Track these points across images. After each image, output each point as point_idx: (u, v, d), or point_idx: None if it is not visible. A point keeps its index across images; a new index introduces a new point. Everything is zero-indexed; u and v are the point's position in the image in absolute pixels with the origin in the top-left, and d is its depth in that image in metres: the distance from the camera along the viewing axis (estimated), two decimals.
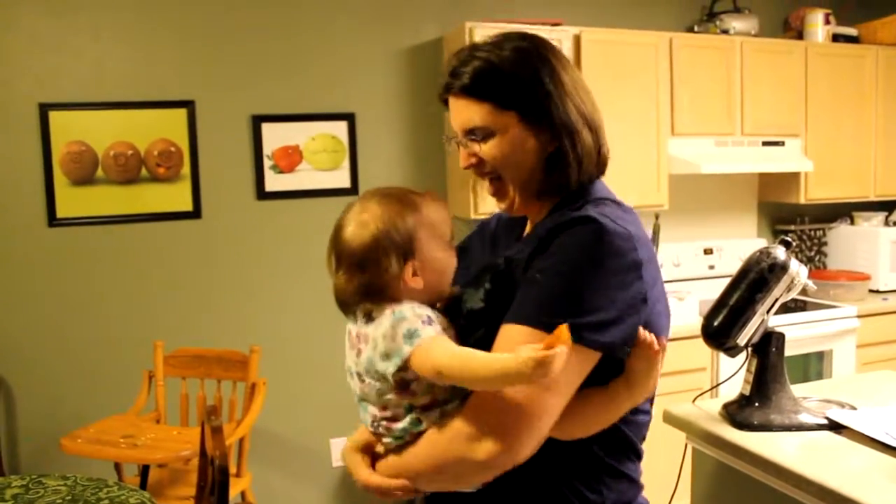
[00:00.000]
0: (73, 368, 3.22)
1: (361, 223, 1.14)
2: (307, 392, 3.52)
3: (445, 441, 1.08)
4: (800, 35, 4.13)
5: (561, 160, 1.17)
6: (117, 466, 2.89)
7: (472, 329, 1.14)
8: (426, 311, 1.11)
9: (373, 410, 1.15)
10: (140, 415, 3.02)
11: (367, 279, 1.12)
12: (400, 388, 1.09)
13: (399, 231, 1.12)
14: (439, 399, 1.10)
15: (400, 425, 1.12)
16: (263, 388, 2.99)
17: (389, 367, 1.07)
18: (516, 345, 1.00)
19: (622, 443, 1.19)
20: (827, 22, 4.08)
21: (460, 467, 1.08)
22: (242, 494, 2.97)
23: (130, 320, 3.28)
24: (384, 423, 1.14)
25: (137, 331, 3.27)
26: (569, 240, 1.08)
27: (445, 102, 1.25)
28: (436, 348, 1.05)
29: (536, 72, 1.16)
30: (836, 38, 4.13)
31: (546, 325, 1.02)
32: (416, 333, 1.06)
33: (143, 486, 2.72)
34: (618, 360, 1.11)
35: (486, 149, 1.18)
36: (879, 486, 1.48)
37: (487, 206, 3.33)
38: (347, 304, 1.17)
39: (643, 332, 1.11)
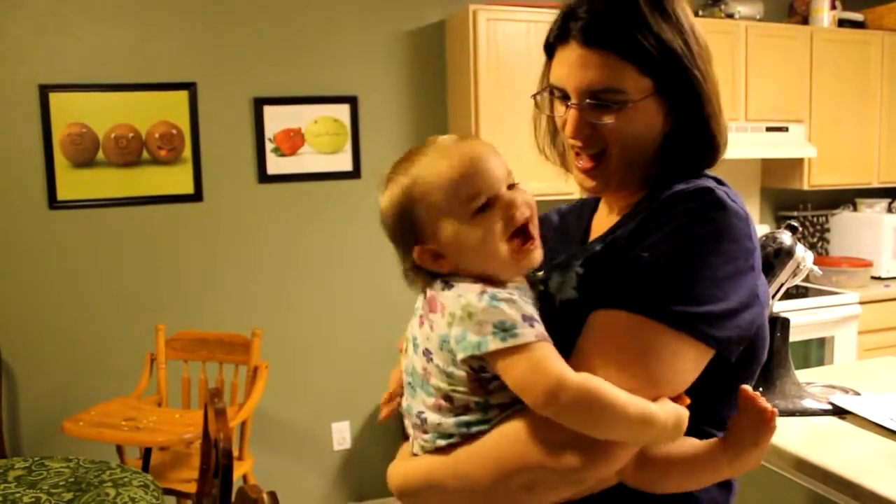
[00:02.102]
0: (75, 351, 3.22)
1: (380, 209, 1.00)
2: (309, 376, 3.52)
3: (519, 444, 0.88)
4: (805, 20, 4.10)
5: (686, 135, 1.01)
6: (119, 449, 2.90)
7: (562, 324, 0.92)
8: (529, 307, 0.89)
9: (423, 397, 0.95)
10: (142, 398, 3.02)
11: (406, 264, 0.98)
12: (473, 381, 0.90)
13: (396, 213, 0.96)
14: (517, 399, 0.89)
15: (455, 419, 0.92)
16: (265, 372, 2.99)
17: (459, 352, 0.88)
18: (616, 336, 0.87)
19: None
20: (833, 7, 4.06)
21: (534, 476, 0.88)
22: (245, 478, 2.98)
23: (132, 303, 3.28)
24: (434, 415, 0.94)
25: (139, 314, 3.27)
26: (682, 213, 0.92)
27: (551, 49, 1.05)
28: (546, 361, 0.85)
29: (685, 36, 0.99)
30: (841, 23, 4.10)
31: (654, 311, 0.87)
32: (513, 331, 0.85)
33: (146, 468, 2.72)
34: (723, 366, 0.94)
35: (614, 120, 0.98)
36: (883, 471, 1.48)
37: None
38: (411, 282, 1.00)
39: (755, 396, 0.93)
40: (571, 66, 0.99)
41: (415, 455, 1.00)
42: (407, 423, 1.02)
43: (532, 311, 0.89)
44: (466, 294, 0.89)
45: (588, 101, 0.99)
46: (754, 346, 0.99)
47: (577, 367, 0.86)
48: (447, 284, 0.93)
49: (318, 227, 3.50)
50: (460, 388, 0.91)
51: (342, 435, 3.59)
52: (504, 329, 0.85)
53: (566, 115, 1.02)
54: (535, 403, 0.85)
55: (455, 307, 0.89)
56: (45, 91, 3.11)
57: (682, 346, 0.88)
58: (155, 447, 2.83)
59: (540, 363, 0.84)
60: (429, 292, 0.96)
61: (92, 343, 3.24)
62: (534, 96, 1.10)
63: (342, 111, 3.50)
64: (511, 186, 0.95)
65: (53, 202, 3.16)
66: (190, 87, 3.29)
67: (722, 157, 1.06)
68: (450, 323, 0.89)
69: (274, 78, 3.40)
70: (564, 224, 1.23)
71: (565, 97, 1.02)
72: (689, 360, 0.90)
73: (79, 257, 3.21)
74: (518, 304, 0.88)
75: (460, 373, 0.90)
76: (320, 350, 3.53)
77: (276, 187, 3.43)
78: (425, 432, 0.96)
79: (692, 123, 1.01)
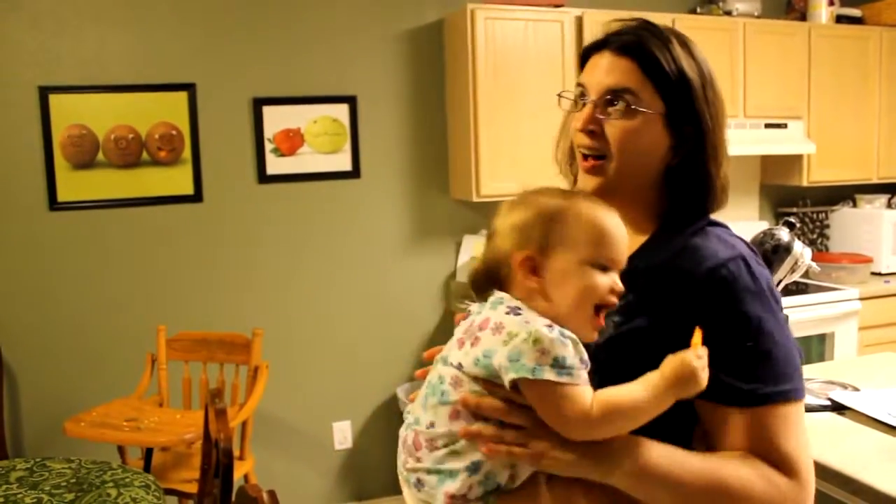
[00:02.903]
0: (76, 352, 3.22)
1: (506, 205, 1.03)
2: (309, 375, 3.53)
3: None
4: (803, 16, 4.10)
5: (688, 177, 1.08)
6: (121, 450, 2.90)
7: (606, 364, 0.98)
8: (585, 354, 0.93)
9: (440, 407, 0.96)
10: (143, 398, 3.02)
11: (484, 256, 1.01)
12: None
13: (529, 218, 0.98)
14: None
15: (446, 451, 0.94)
16: (266, 372, 3.00)
17: (509, 371, 0.90)
18: (793, 421, 1.00)
19: None
20: (831, 3, 4.06)
21: None
22: (245, 477, 2.98)
23: (132, 304, 3.29)
24: (437, 440, 0.95)
25: (140, 314, 3.27)
26: (738, 289, 1.01)
27: (585, 59, 1.13)
28: (584, 399, 0.91)
29: (705, 81, 1.07)
30: (839, 18, 4.11)
31: (777, 397, 0.99)
32: (570, 370, 0.90)
33: (147, 468, 2.73)
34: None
35: (620, 123, 1.05)
36: (882, 467, 1.49)
37: (489, 188, 3.32)
38: (476, 289, 1.03)
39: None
40: (599, 68, 1.08)
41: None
42: (405, 436, 1.01)
43: (587, 358, 0.93)
44: (535, 322, 0.92)
45: (605, 97, 1.06)
46: None
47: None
48: (514, 311, 0.95)
49: (317, 226, 3.51)
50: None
51: (343, 434, 3.60)
52: (562, 366, 0.89)
53: (581, 113, 1.09)
54: (569, 433, 0.92)
55: (519, 329, 0.91)
56: (45, 93, 3.12)
57: (798, 411, 1.01)
58: (156, 447, 2.84)
59: (578, 401, 0.90)
60: (483, 314, 0.97)
61: (93, 344, 3.24)
62: (560, 94, 1.15)
63: (341, 111, 3.51)
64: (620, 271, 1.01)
65: (54, 203, 3.17)
66: (189, 87, 3.29)
67: (722, 207, 1.12)
68: (506, 342, 0.91)
69: (273, 78, 3.40)
70: None
71: (584, 98, 1.10)
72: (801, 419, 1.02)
73: (79, 258, 3.22)
74: (580, 347, 0.92)
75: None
76: (321, 350, 3.53)
77: (276, 187, 3.43)
78: (429, 447, 0.96)
79: (694, 165, 1.07)
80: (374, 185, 3.57)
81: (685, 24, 3.62)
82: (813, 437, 1.64)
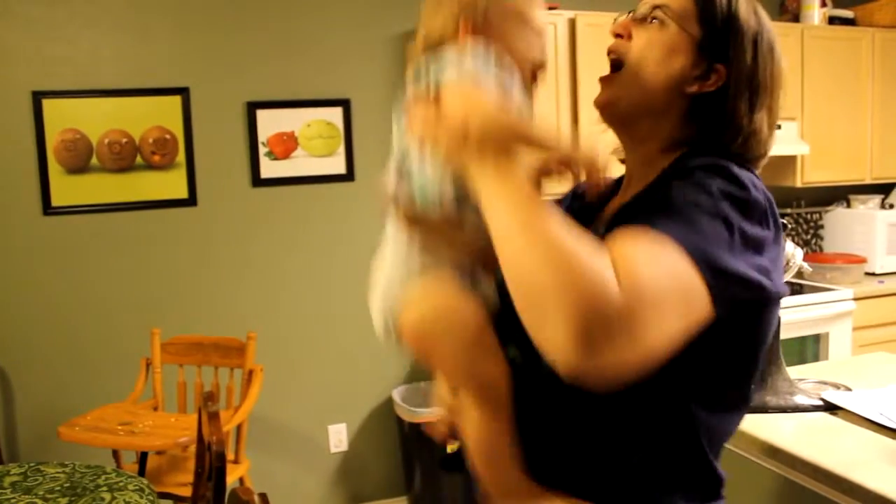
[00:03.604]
0: (71, 357, 3.22)
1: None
2: (305, 378, 3.53)
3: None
4: (796, 17, 4.12)
5: (720, 110, 1.02)
6: (116, 454, 2.90)
7: None
8: (498, 68, 0.95)
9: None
10: (138, 402, 3.02)
11: (427, 27, 1.05)
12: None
13: None
14: None
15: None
16: (260, 375, 3.00)
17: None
18: (659, 251, 0.84)
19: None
20: (823, 4, 4.07)
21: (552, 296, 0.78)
22: (241, 480, 2.98)
23: (127, 308, 3.28)
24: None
25: (134, 319, 3.27)
26: (703, 179, 0.92)
27: None
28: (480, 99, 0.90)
29: (760, 34, 1.04)
30: (832, 20, 4.12)
31: (691, 247, 0.85)
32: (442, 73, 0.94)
33: (142, 472, 2.72)
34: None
35: (647, 33, 1.05)
36: (874, 467, 1.49)
37: None
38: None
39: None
40: None
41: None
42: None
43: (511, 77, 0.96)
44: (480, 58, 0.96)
45: (651, 10, 1.05)
46: (753, 331, 0.99)
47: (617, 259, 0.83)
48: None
49: (312, 229, 3.51)
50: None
51: (339, 437, 3.60)
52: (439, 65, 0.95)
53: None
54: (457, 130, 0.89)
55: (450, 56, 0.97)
56: (38, 98, 3.11)
57: (689, 273, 0.84)
58: (151, 451, 2.84)
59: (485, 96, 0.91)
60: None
61: (87, 348, 3.24)
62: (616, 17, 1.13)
63: (335, 114, 3.51)
64: None
65: (48, 208, 3.16)
66: (183, 92, 3.29)
67: (752, 154, 1.06)
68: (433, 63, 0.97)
69: (267, 82, 3.40)
70: (575, 210, 1.17)
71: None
72: (679, 280, 0.84)
73: (73, 263, 3.22)
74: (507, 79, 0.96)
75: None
76: (316, 352, 3.53)
77: (270, 191, 3.43)
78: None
79: (720, 101, 1.02)
80: (368, 188, 3.57)
81: None
82: (805, 437, 1.66)
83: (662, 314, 0.81)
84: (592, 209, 1.12)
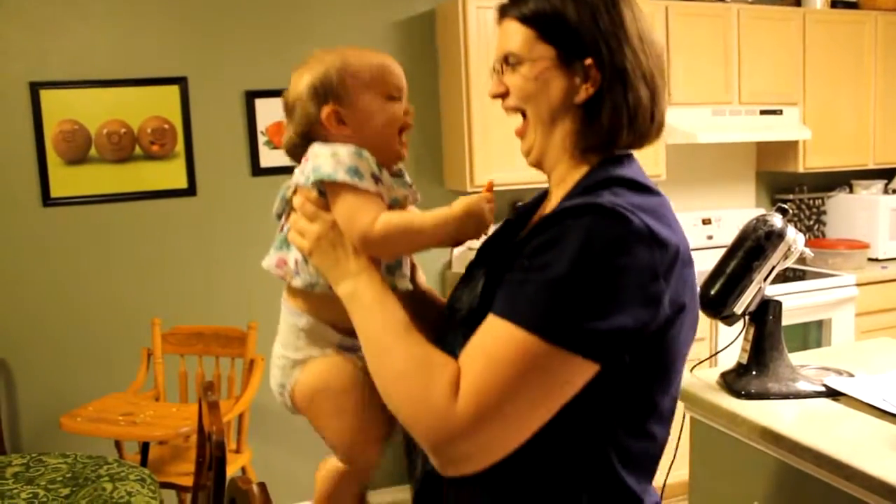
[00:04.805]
0: (72, 348, 3.22)
1: (295, 76, 1.13)
2: None
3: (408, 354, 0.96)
4: (797, 1, 4.09)
5: (602, 108, 1.03)
6: (118, 444, 2.91)
7: (465, 335, 0.96)
8: (358, 161, 1.03)
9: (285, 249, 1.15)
10: (139, 393, 3.02)
11: (294, 127, 1.11)
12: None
13: (321, 77, 1.08)
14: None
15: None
16: (262, 364, 3.00)
17: (311, 176, 1.04)
18: (501, 342, 0.90)
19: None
20: None
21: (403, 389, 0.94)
22: (243, 470, 2.99)
23: (127, 299, 3.28)
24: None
25: (135, 309, 3.26)
26: (572, 227, 0.92)
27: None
28: (370, 211, 1.01)
29: (594, 10, 1.03)
30: (834, 3, 4.09)
31: (539, 326, 0.88)
32: (361, 175, 1.02)
33: (144, 463, 2.73)
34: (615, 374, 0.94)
35: (512, 78, 1.07)
36: (876, 453, 1.48)
37: (484, 179, 3.31)
38: (293, 157, 1.14)
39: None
40: (498, 37, 1.11)
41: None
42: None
43: (379, 174, 1.05)
44: (339, 147, 1.05)
45: (500, 63, 1.09)
46: (656, 355, 0.97)
47: (462, 367, 0.92)
48: (326, 143, 1.07)
49: None
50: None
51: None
52: (356, 173, 1.02)
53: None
54: (354, 238, 1.03)
55: (323, 150, 1.05)
56: (35, 88, 3.10)
57: (541, 350, 0.88)
58: (153, 441, 2.84)
59: (365, 208, 1.01)
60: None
61: (88, 339, 3.24)
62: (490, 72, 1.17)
63: None
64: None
65: (47, 199, 3.16)
66: (181, 81, 3.28)
67: (650, 140, 1.08)
68: (314, 157, 1.05)
69: (265, 70, 3.39)
70: (516, 221, 1.22)
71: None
72: (556, 369, 0.89)
73: (73, 254, 3.21)
74: (374, 167, 1.05)
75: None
76: None
77: (270, 180, 3.42)
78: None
79: (610, 91, 1.03)
80: None
81: (679, 10, 3.60)
82: (807, 423, 1.65)
83: (516, 410, 0.89)
84: (532, 213, 1.19)
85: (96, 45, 3.18)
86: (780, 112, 3.89)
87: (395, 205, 1.09)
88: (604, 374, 0.92)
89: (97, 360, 3.24)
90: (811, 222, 4.42)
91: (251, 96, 3.37)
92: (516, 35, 1.06)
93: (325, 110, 1.06)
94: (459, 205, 1.03)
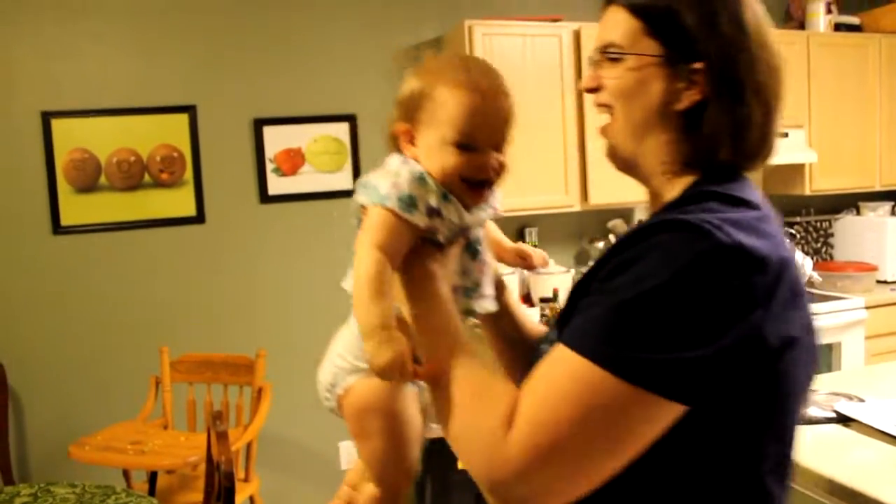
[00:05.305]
0: (81, 376, 3.23)
1: (406, 75, 1.06)
2: (314, 395, 3.50)
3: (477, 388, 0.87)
4: (801, 25, 4.11)
5: (704, 120, 0.92)
6: (126, 473, 2.90)
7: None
8: (417, 189, 0.95)
9: None
10: (147, 421, 3.02)
11: (389, 122, 1.04)
12: None
13: (408, 92, 1.01)
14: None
15: None
16: (270, 392, 2.99)
17: (361, 196, 0.98)
18: (564, 374, 0.80)
19: None
20: (829, 11, 4.06)
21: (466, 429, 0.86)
22: (251, 499, 2.97)
23: (136, 326, 3.29)
24: None
25: (144, 337, 3.27)
26: (649, 246, 0.82)
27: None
28: (374, 227, 0.93)
29: (714, 10, 0.92)
30: (838, 27, 4.11)
31: (605, 358, 0.78)
32: (412, 208, 0.94)
33: (152, 492, 2.72)
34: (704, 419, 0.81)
35: (610, 71, 0.96)
36: (889, 479, 1.47)
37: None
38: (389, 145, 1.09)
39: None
40: (599, 25, 1.01)
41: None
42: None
43: (449, 213, 0.96)
44: (405, 168, 0.97)
45: (598, 53, 0.99)
46: (760, 395, 0.83)
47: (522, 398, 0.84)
48: (404, 160, 1.00)
49: (320, 245, 3.51)
50: None
51: (350, 454, 3.58)
52: (409, 203, 0.93)
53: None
54: (359, 244, 0.95)
55: (391, 168, 0.98)
56: (47, 118, 3.14)
57: (606, 385, 0.78)
58: (161, 471, 2.83)
59: (391, 237, 0.93)
60: None
61: (98, 367, 3.24)
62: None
63: (342, 129, 3.52)
64: (499, 148, 1.00)
65: (57, 227, 3.18)
66: (190, 109, 3.31)
67: (758, 162, 0.97)
68: (377, 175, 0.98)
69: (273, 98, 3.42)
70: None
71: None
72: (637, 413, 0.78)
73: (83, 282, 3.23)
74: (435, 198, 0.95)
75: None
76: None
77: (278, 207, 3.44)
78: None
79: (717, 100, 0.92)
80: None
81: None
82: (818, 450, 1.64)
83: (578, 451, 0.79)
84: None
85: (107, 74, 3.22)
86: (786, 135, 3.90)
87: (460, 234, 1.02)
88: (696, 415, 0.80)
89: (106, 388, 3.24)
90: (819, 245, 4.40)
91: (259, 124, 3.39)
92: (621, 25, 0.96)
93: (400, 127, 1.01)
94: (387, 339, 0.88)
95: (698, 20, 0.91)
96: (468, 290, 1.04)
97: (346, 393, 1.07)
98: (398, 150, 1.02)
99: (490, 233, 1.13)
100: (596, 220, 3.83)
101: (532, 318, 1.18)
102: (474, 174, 0.97)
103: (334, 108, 3.50)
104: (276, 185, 3.44)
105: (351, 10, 3.50)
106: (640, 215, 3.92)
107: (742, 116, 0.92)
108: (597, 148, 3.25)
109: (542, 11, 3.64)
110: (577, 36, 3.48)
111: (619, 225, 3.78)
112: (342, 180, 3.52)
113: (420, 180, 0.95)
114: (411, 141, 1.00)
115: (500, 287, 1.13)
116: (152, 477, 2.75)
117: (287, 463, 3.49)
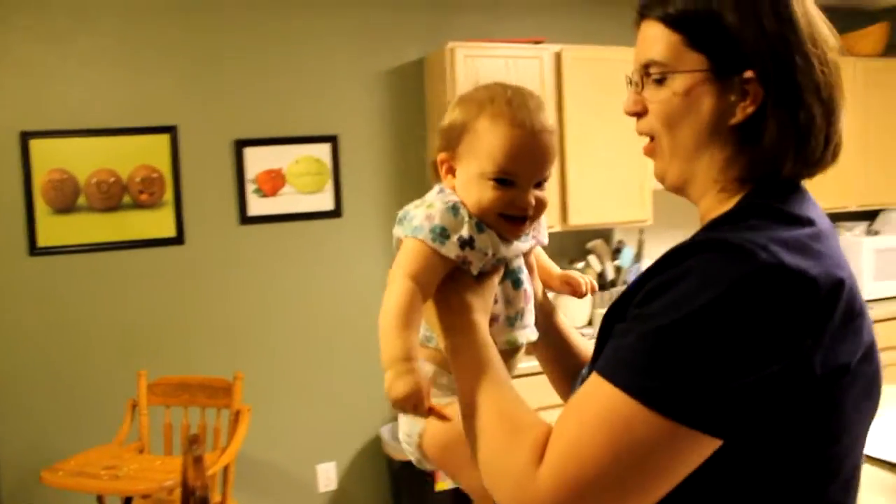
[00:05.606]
0: (56, 399, 3.17)
1: (452, 102, 1.06)
2: (292, 418, 3.48)
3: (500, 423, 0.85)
4: None
5: (763, 131, 0.85)
6: (100, 499, 2.84)
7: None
8: (450, 221, 0.95)
9: None
10: (124, 445, 2.97)
11: (433, 151, 1.05)
12: None
13: (451, 121, 1.01)
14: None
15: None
16: (248, 415, 2.96)
17: (397, 229, 1.01)
18: (596, 406, 0.76)
19: None
20: None
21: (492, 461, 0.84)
22: None
23: (113, 349, 3.24)
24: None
25: (121, 359, 3.23)
26: (686, 268, 0.77)
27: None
28: (405, 258, 0.95)
29: (757, 8, 0.84)
30: None
31: (639, 389, 0.74)
32: (411, 223, 0.97)
33: None
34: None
35: (655, 93, 0.90)
36: (872, 502, 1.46)
37: None
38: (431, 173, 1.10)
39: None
40: (637, 42, 0.94)
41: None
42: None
43: (483, 245, 0.96)
44: (441, 199, 0.98)
45: (639, 74, 0.92)
46: (809, 431, 0.78)
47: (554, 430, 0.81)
48: (441, 191, 1.02)
49: (300, 267, 3.49)
50: None
51: (328, 476, 3.54)
52: (441, 235, 0.94)
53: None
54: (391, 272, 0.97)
55: (426, 200, 0.99)
56: (25, 138, 3.11)
57: (639, 418, 0.73)
58: (136, 496, 2.78)
59: (420, 268, 0.94)
60: None
61: (73, 390, 3.19)
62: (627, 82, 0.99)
63: (323, 150, 3.51)
64: (540, 184, 1.00)
65: (34, 249, 3.14)
66: (171, 130, 3.29)
67: (823, 167, 0.93)
68: (415, 206, 1.00)
69: (254, 119, 3.41)
70: None
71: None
72: (654, 437, 0.74)
73: (59, 304, 3.18)
74: (468, 230, 0.95)
75: None
76: (304, 391, 3.49)
77: (258, 228, 3.42)
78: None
79: (772, 118, 0.85)
80: (356, 225, 3.56)
81: None
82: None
83: (608, 486, 0.74)
84: None
85: (87, 94, 3.20)
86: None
87: (497, 264, 1.01)
88: (736, 450, 0.76)
89: (81, 411, 3.19)
90: None
91: (240, 145, 3.38)
92: (660, 40, 0.89)
93: (441, 156, 1.02)
94: (405, 373, 0.87)
95: (742, 23, 0.84)
96: (511, 319, 1.03)
97: (422, 438, 1.03)
98: (438, 179, 1.03)
99: (538, 258, 1.13)
100: (575, 240, 3.84)
101: (584, 341, 1.15)
102: (511, 210, 0.97)
103: (316, 128, 3.50)
104: (256, 206, 3.42)
105: (333, 31, 3.50)
106: (620, 236, 3.94)
107: (804, 122, 0.86)
108: (576, 169, 3.27)
109: (525, 33, 3.67)
110: (558, 58, 3.50)
111: (599, 245, 3.79)
112: (323, 201, 3.51)
113: (453, 211, 0.96)
114: (451, 171, 1.01)
115: (549, 311, 1.12)
116: (127, 502, 2.70)
117: (265, 486, 3.44)
